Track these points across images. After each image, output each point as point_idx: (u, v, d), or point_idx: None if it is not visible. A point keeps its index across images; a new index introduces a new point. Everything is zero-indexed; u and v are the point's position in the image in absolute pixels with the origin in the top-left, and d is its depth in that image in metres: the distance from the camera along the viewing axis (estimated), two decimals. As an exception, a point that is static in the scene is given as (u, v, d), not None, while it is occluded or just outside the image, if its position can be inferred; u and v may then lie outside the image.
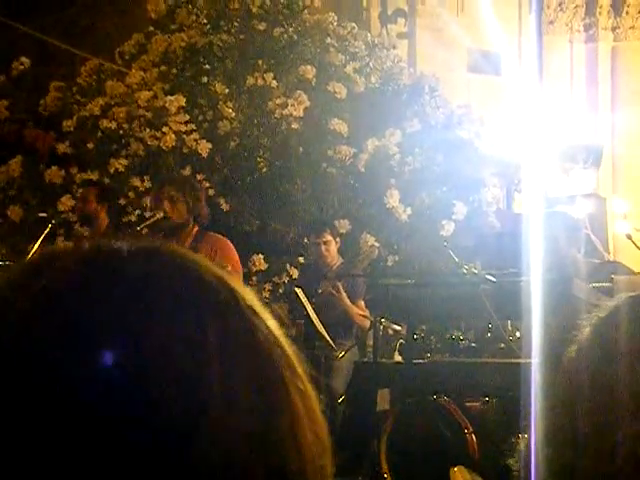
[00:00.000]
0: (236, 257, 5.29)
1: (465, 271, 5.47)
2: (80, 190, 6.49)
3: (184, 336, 0.63)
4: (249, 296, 0.72)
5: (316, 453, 0.69)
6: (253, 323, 0.69)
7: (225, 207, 7.44)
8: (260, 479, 0.63)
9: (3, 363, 0.60)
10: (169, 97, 7.57)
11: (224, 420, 0.62)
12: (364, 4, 10.63)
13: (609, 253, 8.25)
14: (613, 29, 13.73)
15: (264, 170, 7.66)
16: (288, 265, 7.37)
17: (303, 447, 0.68)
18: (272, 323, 0.71)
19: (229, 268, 5.13)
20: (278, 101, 7.56)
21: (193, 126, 7.51)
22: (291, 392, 0.69)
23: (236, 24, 8.19)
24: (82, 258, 0.66)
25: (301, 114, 7.48)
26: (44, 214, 7.23)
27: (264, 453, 0.64)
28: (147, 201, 5.93)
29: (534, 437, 1.15)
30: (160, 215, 5.13)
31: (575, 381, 1.12)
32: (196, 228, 5.30)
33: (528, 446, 1.17)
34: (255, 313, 0.71)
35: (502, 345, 5.46)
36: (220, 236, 5.39)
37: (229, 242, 5.34)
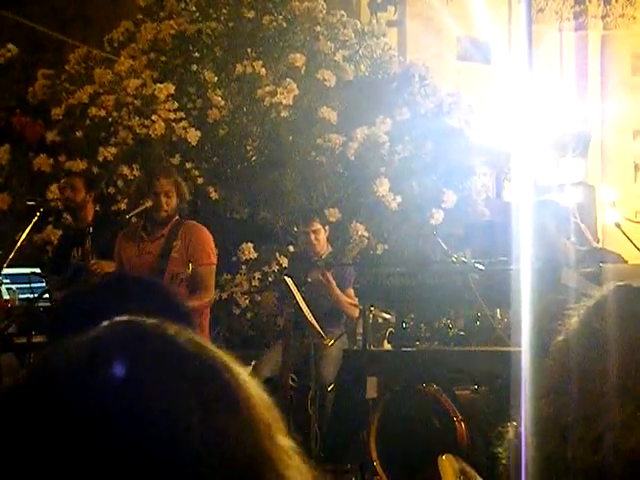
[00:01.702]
0: (210, 248, 5.18)
1: (454, 259, 5.48)
2: (64, 179, 6.41)
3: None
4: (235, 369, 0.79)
5: None
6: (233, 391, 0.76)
7: (214, 195, 7.42)
8: None
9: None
10: (158, 85, 7.54)
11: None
12: (354, -8, 10.61)
13: (598, 241, 8.27)
14: (603, 17, 13.73)
15: (253, 158, 7.64)
16: (278, 254, 7.36)
17: None
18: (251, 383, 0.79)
19: (201, 260, 5.08)
20: (267, 89, 7.54)
21: (182, 114, 7.49)
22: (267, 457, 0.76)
23: (225, 12, 8.16)
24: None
25: (290, 102, 7.46)
26: (32, 202, 7.20)
27: None
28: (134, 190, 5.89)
29: (523, 426, 1.15)
30: (148, 204, 5.10)
31: (562, 370, 1.13)
32: (176, 217, 5.23)
33: (517, 434, 1.17)
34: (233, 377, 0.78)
35: (491, 333, 5.47)
36: (198, 225, 5.29)
37: (206, 231, 5.23)
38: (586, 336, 1.13)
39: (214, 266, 5.21)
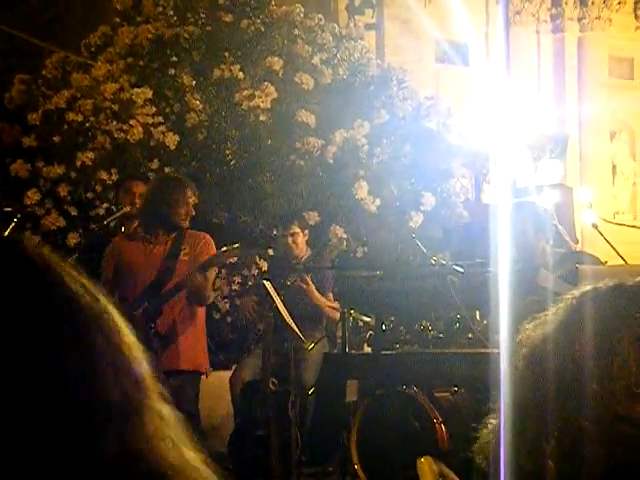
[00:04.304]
0: (213, 249, 5.26)
1: (433, 262, 5.49)
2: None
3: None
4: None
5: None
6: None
7: (193, 199, 7.40)
8: None
9: None
10: (136, 89, 7.52)
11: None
12: (332, -5, 10.63)
13: (577, 242, 8.31)
14: (579, 19, 13.83)
15: (232, 162, 7.63)
16: (257, 258, 7.36)
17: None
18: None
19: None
20: (245, 93, 7.53)
21: (160, 118, 7.47)
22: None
23: (203, 16, 8.14)
24: None
25: (268, 106, 7.46)
26: (9, 208, 7.16)
27: None
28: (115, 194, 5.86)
29: (502, 424, 1.16)
30: (127, 209, 5.09)
31: (539, 372, 1.13)
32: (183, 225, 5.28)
33: (494, 432, 1.18)
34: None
35: (470, 335, 5.49)
36: (203, 234, 5.36)
37: (211, 240, 5.33)
38: (563, 337, 1.14)
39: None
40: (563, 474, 1.05)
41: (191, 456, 0.81)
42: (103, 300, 0.82)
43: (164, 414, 0.81)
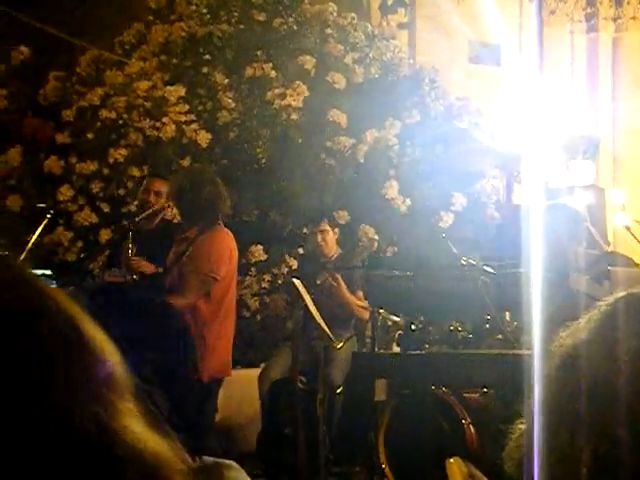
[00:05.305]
0: (215, 259, 4.98)
1: (464, 263, 5.47)
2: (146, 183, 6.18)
3: None
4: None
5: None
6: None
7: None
8: None
9: None
10: (169, 87, 7.56)
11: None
12: (364, -6, 10.60)
13: (608, 244, 8.24)
14: (614, 19, 13.69)
15: (263, 161, 7.65)
16: (287, 256, 7.37)
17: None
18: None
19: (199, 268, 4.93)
20: (277, 91, 7.55)
21: (193, 116, 7.51)
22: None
23: (236, 14, 8.17)
24: None
25: (300, 105, 7.47)
26: (43, 204, 7.22)
27: None
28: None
29: (535, 427, 1.15)
30: (159, 207, 5.10)
31: (574, 378, 1.13)
32: (203, 223, 5.11)
33: (527, 435, 1.17)
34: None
35: (500, 336, 5.46)
36: (217, 236, 5.06)
37: (220, 243, 5.04)
38: (597, 342, 1.13)
39: (210, 278, 4.94)
40: (598, 469, 1.04)
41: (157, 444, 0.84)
42: (71, 309, 0.87)
43: (133, 410, 0.85)
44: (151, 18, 8.35)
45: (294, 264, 7.24)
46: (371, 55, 8.33)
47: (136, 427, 0.82)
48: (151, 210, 5.15)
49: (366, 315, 6.02)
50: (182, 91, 7.53)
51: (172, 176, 5.75)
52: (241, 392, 6.50)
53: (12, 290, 0.83)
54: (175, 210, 5.46)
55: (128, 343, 0.92)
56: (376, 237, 7.56)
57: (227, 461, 1.42)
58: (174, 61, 8.03)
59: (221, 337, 5.01)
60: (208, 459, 1.38)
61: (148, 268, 5.25)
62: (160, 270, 5.16)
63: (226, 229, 5.16)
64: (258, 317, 7.39)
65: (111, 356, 0.86)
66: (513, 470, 1.20)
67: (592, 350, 1.12)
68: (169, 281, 4.93)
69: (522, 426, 1.21)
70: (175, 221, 5.94)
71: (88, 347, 0.84)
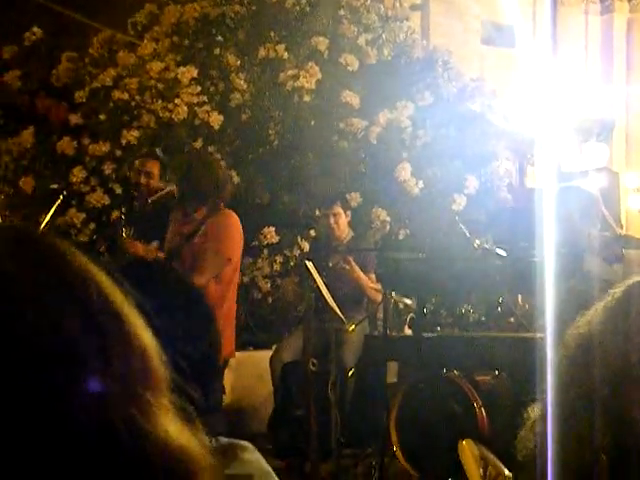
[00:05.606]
0: (229, 240, 5.10)
1: (476, 245, 5.47)
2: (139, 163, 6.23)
3: None
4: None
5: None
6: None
7: (236, 179, 7.43)
8: None
9: None
10: (181, 68, 7.55)
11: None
12: (378, -25, 10.54)
13: (622, 227, 8.22)
14: (629, 0, 13.58)
15: (275, 143, 7.64)
16: (299, 238, 7.37)
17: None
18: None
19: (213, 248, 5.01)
20: (290, 73, 7.53)
21: (205, 98, 7.49)
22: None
23: (248, -5, 8.14)
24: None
25: (313, 86, 7.45)
26: (56, 186, 7.24)
27: None
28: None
29: (549, 410, 1.15)
30: (171, 189, 5.12)
31: (589, 366, 1.13)
32: (211, 202, 5.19)
33: (541, 418, 1.17)
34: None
35: (512, 319, 5.46)
36: (230, 217, 5.18)
37: (233, 224, 5.15)
38: (612, 330, 1.13)
39: (226, 259, 5.06)
40: (615, 467, 1.04)
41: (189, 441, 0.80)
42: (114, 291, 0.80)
43: (168, 407, 0.80)
44: (164, -1, 8.33)
45: (306, 246, 7.24)
46: (384, 36, 8.30)
47: (169, 425, 0.76)
48: (165, 192, 5.17)
49: (379, 297, 6.02)
50: (194, 72, 7.51)
51: (176, 158, 5.78)
52: (253, 374, 6.53)
53: (50, 273, 0.77)
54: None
55: (161, 327, 0.85)
56: (388, 219, 7.55)
57: (242, 442, 1.42)
58: (186, 42, 8.01)
59: (228, 318, 5.10)
60: (223, 440, 1.38)
61: (142, 250, 5.30)
62: (153, 251, 5.22)
63: (232, 211, 5.25)
64: (270, 299, 7.41)
65: (150, 346, 0.79)
66: (527, 457, 1.20)
67: (608, 336, 1.12)
68: (181, 262, 4.96)
69: (535, 412, 1.21)
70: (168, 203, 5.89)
71: (127, 337, 0.77)
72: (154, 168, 5.93)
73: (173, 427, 0.77)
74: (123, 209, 5.57)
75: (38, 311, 0.73)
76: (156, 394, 0.77)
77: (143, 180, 5.83)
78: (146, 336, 0.79)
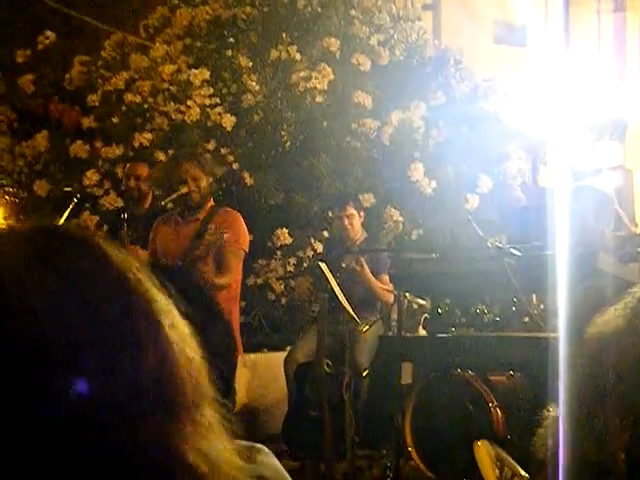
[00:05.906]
0: (242, 233, 5.25)
1: (490, 245, 5.45)
2: (129, 167, 6.36)
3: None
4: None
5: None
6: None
7: (249, 181, 7.44)
8: None
9: None
10: (193, 70, 7.56)
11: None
12: (389, -25, 10.53)
13: (636, 226, 8.18)
14: (642, -2, 13.50)
15: (288, 144, 7.64)
16: (312, 239, 7.37)
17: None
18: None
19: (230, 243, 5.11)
20: (302, 74, 7.53)
21: (217, 100, 7.51)
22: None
23: (260, -4, 8.15)
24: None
25: (325, 87, 7.45)
26: (69, 189, 7.26)
27: None
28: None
29: (561, 411, 1.15)
30: (184, 190, 5.14)
31: (601, 359, 1.12)
32: (210, 203, 5.31)
33: (555, 420, 1.17)
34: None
35: (527, 319, 5.44)
36: (233, 211, 5.36)
37: (240, 218, 5.31)
38: (632, 330, 1.12)
39: (242, 251, 5.25)
40: (634, 466, 1.04)
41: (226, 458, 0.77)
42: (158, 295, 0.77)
43: (208, 422, 0.76)
44: (175, 1, 8.34)
45: (319, 247, 7.24)
46: (396, 37, 8.29)
47: (204, 444, 0.72)
48: (178, 194, 5.19)
49: (390, 299, 6.01)
50: (206, 74, 7.53)
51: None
52: (267, 375, 6.53)
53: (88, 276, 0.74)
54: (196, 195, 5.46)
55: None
56: (401, 220, 7.54)
57: (257, 445, 1.42)
58: (198, 44, 8.02)
59: (236, 317, 5.29)
60: (239, 443, 1.38)
61: (142, 255, 5.32)
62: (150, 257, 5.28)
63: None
64: (283, 301, 7.41)
65: (194, 357, 0.73)
66: (542, 455, 1.20)
67: (627, 336, 1.11)
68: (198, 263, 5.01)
69: (552, 413, 1.20)
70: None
71: (166, 345, 0.72)
72: (143, 172, 6.02)
73: (207, 445, 0.73)
74: (124, 215, 5.61)
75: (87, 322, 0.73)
76: (195, 408, 0.73)
77: (133, 183, 5.91)
78: (191, 342, 0.75)
